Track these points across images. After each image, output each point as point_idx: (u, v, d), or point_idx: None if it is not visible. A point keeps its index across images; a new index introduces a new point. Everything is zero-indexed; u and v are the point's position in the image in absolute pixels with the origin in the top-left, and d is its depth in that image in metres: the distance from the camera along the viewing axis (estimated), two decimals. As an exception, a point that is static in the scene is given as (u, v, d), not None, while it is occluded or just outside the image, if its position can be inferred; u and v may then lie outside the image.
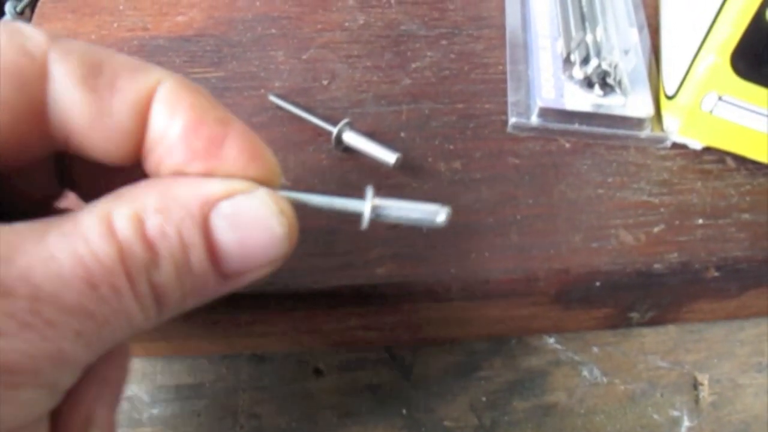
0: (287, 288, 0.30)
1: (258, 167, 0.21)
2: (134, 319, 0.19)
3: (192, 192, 0.20)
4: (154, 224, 0.18)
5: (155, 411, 0.35)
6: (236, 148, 0.20)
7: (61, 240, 0.17)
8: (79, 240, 0.17)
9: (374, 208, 0.24)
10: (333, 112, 0.35)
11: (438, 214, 0.24)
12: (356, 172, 0.33)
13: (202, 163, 0.20)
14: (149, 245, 0.18)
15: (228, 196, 0.20)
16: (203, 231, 0.19)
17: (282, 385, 0.35)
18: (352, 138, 0.33)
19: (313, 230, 0.32)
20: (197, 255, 0.19)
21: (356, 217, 0.24)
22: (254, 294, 0.30)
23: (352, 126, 0.34)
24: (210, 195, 0.20)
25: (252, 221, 0.20)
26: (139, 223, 0.18)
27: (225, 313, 0.31)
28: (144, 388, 0.35)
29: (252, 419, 0.34)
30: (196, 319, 0.32)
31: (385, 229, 0.32)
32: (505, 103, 0.36)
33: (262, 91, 0.36)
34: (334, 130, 0.33)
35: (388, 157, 0.33)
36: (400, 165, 0.33)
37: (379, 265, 0.31)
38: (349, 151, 0.34)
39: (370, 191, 0.24)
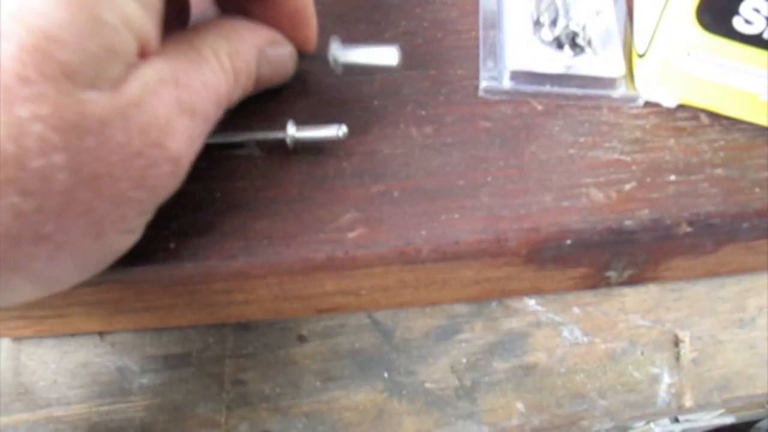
0: (259, 254, 0.31)
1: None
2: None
3: (256, 38, 0.30)
4: (239, 64, 0.29)
5: (145, 380, 0.36)
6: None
7: (203, 70, 0.27)
8: (212, 73, 0.27)
9: (334, 57, 0.34)
10: (308, 84, 0.36)
11: (393, 55, 0.33)
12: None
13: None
14: (237, 78, 0.29)
15: (272, 44, 0.31)
16: (257, 68, 0.30)
17: (266, 352, 0.36)
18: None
19: (286, 198, 0.32)
20: (251, 83, 0.31)
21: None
22: (226, 261, 0.31)
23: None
24: (263, 42, 0.30)
25: (281, 64, 0.33)
26: (233, 62, 0.28)
27: (202, 282, 0.32)
28: (133, 359, 0.36)
29: (237, 385, 0.35)
30: (176, 289, 0.33)
31: (356, 194, 0.32)
32: (478, 68, 0.36)
33: (239, 66, 0.37)
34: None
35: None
36: (371, 132, 0.34)
37: (350, 229, 0.31)
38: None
39: (335, 41, 0.34)
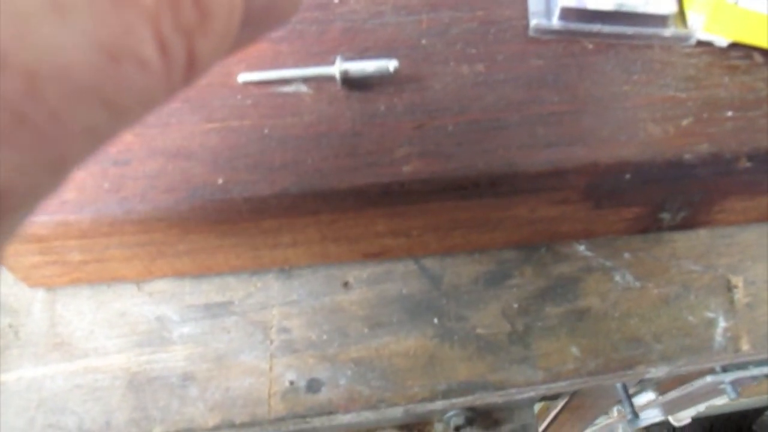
0: (312, 188, 0.30)
1: None
2: (157, 95, 0.14)
3: None
4: None
5: (185, 329, 0.34)
6: None
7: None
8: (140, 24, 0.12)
9: None
10: (353, 24, 0.35)
11: None
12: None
13: None
14: (200, 4, 0.14)
15: None
16: None
17: (311, 299, 0.35)
18: None
19: (338, 133, 0.31)
20: (233, 25, 0.15)
21: None
22: (278, 195, 0.30)
23: None
24: None
25: None
26: None
27: (250, 219, 0.31)
28: (173, 308, 0.35)
29: (282, 333, 0.34)
30: (222, 228, 0.32)
31: (410, 128, 0.31)
32: (526, 9, 0.36)
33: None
34: None
35: None
36: (421, 70, 0.33)
37: (406, 162, 0.31)
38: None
39: None
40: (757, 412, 1.24)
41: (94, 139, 0.14)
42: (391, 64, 0.32)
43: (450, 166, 0.30)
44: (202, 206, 0.30)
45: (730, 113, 0.33)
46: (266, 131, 0.32)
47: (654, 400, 0.64)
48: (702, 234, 0.37)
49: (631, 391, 0.66)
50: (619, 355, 0.34)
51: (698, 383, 0.53)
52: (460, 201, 0.31)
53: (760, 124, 0.32)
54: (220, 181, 0.30)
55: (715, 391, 0.58)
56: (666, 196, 0.33)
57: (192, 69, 0.15)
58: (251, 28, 0.17)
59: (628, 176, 0.31)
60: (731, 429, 1.26)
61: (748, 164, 0.32)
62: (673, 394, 0.62)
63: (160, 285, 0.36)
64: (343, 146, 0.31)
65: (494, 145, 0.31)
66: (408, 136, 0.31)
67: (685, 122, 0.32)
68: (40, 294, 0.35)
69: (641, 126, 0.32)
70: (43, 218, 0.30)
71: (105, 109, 0.13)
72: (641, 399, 0.68)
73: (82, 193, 0.30)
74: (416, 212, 0.32)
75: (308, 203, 0.31)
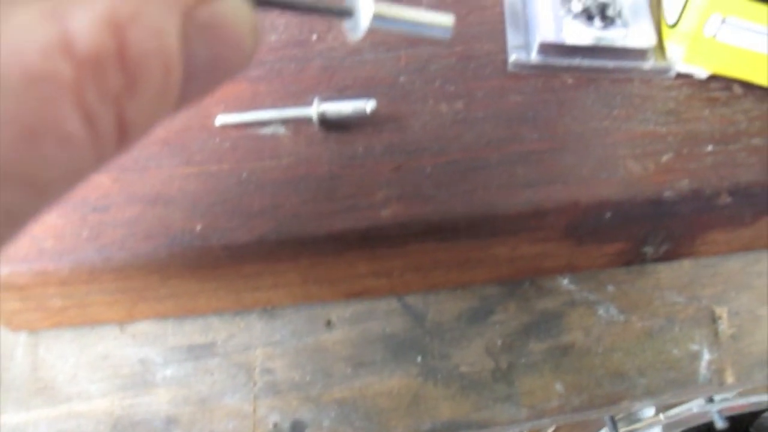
0: (291, 234, 0.30)
1: None
2: (86, 166, 0.14)
3: None
4: (137, 39, 0.13)
5: (168, 372, 0.34)
6: None
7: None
8: (15, 61, 0.11)
9: (376, 15, 0.19)
10: (331, 62, 0.35)
11: (448, 22, 0.20)
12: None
13: None
14: (128, 69, 0.13)
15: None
16: (181, 48, 0.14)
17: (294, 340, 0.35)
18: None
19: (316, 176, 0.31)
20: (173, 80, 0.14)
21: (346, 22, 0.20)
22: (256, 242, 0.30)
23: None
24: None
25: (226, 36, 0.15)
26: (117, 35, 0.12)
27: (229, 265, 0.31)
28: (156, 350, 0.35)
29: (266, 374, 0.34)
30: (202, 273, 0.32)
31: (388, 170, 0.31)
32: (505, 43, 0.36)
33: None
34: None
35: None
36: (399, 109, 0.33)
37: (384, 206, 0.30)
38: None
39: None
40: (755, 414, 1.24)
41: (18, 218, 0.13)
42: (369, 105, 0.32)
43: (429, 209, 0.30)
44: (181, 253, 0.30)
45: (710, 147, 0.32)
46: (244, 175, 0.32)
47: (654, 417, 0.63)
48: (685, 264, 0.37)
49: (621, 415, 0.66)
50: (603, 391, 0.34)
51: (685, 413, 0.53)
52: (440, 243, 0.31)
53: (740, 158, 0.32)
54: (199, 227, 0.30)
55: (704, 418, 0.58)
56: (648, 232, 0.33)
57: (125, 134, 0.14)
58: (198, 82, 0.16)
59: (608, 215, 0.31)
60: (729, 431, 1.26)
61: (729, 199, 0.32)
62: (668, 418, 0.62)
63: (143, 327, 0.35)
64: (321, 190, 0.31)
65: (473, 186, 0.31)
66: (386, 179, 0.31)
67: (665, 158, 0.32)
68: (23, 337, 0.35)
69: (621, 163, 0.32)
70: (21, 267, 0.30)
71: (26, 189, 0.13)
72: (641, 415, 0.68)
73: (60, 242, 0.30)
74: (396, 254, 0.32)
75: (287, 249, 0.30)
